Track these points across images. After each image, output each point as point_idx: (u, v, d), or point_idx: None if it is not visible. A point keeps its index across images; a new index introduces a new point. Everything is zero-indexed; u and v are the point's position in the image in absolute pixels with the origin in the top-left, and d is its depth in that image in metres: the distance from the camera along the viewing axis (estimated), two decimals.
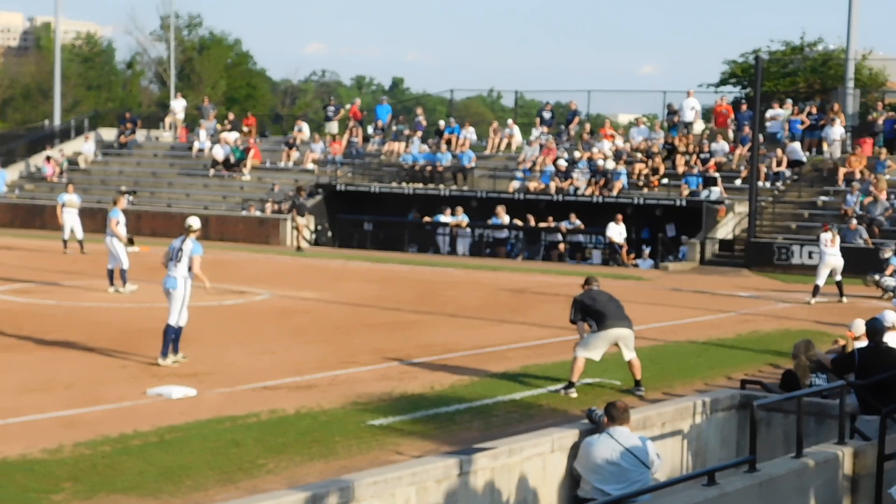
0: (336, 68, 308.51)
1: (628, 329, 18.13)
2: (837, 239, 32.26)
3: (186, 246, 19.60)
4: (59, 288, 30.56)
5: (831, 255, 31.70)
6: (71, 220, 41.50)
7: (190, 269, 19.68)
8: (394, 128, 56.54)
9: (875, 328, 15.77)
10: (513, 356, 21.40)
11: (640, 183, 46.65)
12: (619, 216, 42.24)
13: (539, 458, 13.48)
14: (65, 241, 40.65)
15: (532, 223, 45.99)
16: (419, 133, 55.34)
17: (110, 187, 54.68)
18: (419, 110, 58.87)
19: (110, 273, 29.26)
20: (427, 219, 48.24)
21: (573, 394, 17.78)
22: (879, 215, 40.70)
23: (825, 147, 46.69)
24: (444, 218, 47.41)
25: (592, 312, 18.08)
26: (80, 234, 40.95)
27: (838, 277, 31.85)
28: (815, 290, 31.83)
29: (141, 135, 63.68)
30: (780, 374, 18.72)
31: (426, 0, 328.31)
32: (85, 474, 12.67)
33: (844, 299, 31.39)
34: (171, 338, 19.53)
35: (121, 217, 29.42)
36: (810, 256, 37.86)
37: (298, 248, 45.54)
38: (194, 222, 20.24)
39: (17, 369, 18.79)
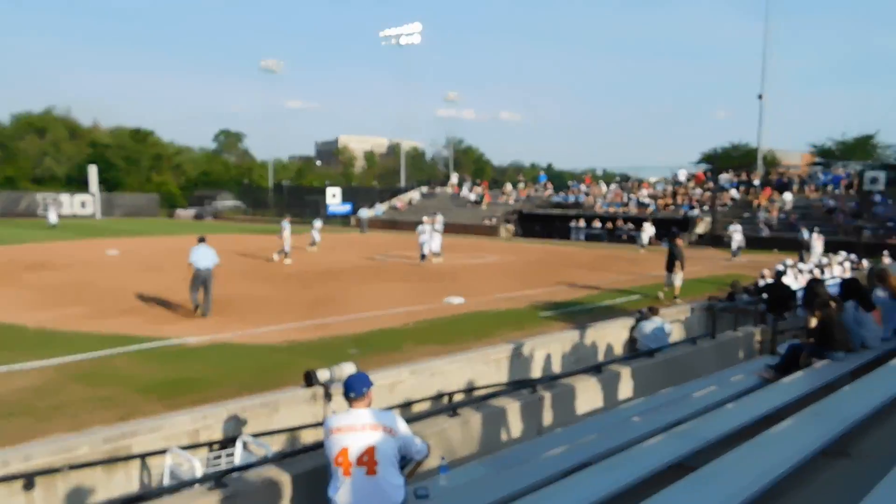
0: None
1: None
2: None
3: None
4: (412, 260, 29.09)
5: None
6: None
7: None
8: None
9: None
10: (605, 287, 20.45)
11: None
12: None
13: (614, 329, 13.34)
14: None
15: None
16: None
17: (421, 213, 55.20)
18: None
19: None
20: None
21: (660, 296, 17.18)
22: None
23: None
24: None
25: None
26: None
27: None
28: None
29: (438, 190, 63.69)
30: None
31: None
32: (419, 335, 13.06)
33: None
34: None
35: None
36: None
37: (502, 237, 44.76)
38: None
39: (396, 291, 18.86)
